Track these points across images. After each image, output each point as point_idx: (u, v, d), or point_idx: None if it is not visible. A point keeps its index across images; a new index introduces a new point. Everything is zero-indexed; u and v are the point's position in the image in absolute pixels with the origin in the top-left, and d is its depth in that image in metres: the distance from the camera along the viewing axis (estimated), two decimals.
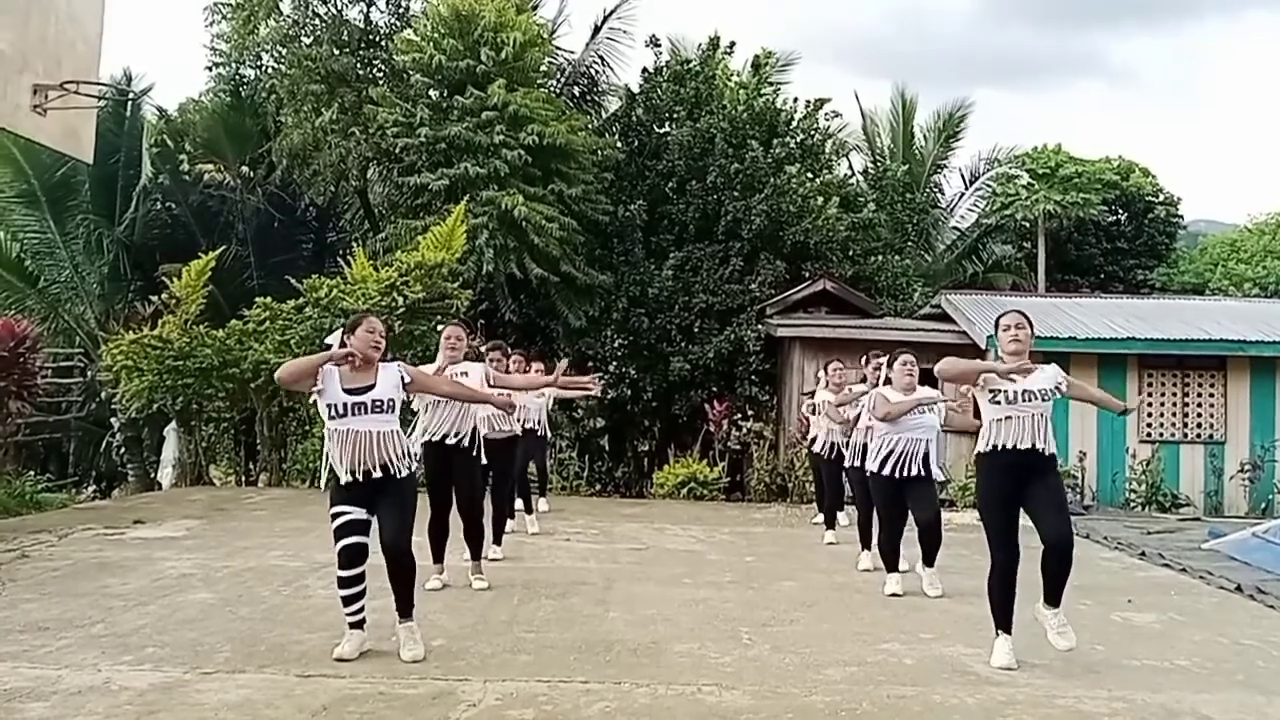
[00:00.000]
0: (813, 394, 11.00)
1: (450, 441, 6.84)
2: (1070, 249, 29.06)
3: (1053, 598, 5.40)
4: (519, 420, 9.28)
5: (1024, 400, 5.35)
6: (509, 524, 9.40)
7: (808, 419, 11.17)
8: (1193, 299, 20.96)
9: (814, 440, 10.22)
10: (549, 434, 11.16)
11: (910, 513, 7.28)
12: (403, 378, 5.36)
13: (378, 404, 5.21)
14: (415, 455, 5.52)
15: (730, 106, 17.99)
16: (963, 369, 5.67)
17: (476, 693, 4.70)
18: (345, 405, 5.19)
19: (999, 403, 5.38)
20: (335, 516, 5.21)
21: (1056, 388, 5.43)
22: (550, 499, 12.08)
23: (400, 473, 5.26)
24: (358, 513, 5.19)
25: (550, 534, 9.70)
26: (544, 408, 10.54)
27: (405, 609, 5.32)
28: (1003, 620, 5.45)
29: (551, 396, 10.99)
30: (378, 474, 5.19)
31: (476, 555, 7.20)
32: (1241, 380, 14.57)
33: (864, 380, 8.76)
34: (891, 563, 7.36)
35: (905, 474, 7.11)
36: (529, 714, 4.46)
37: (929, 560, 7.31)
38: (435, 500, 6.95)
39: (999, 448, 5.37)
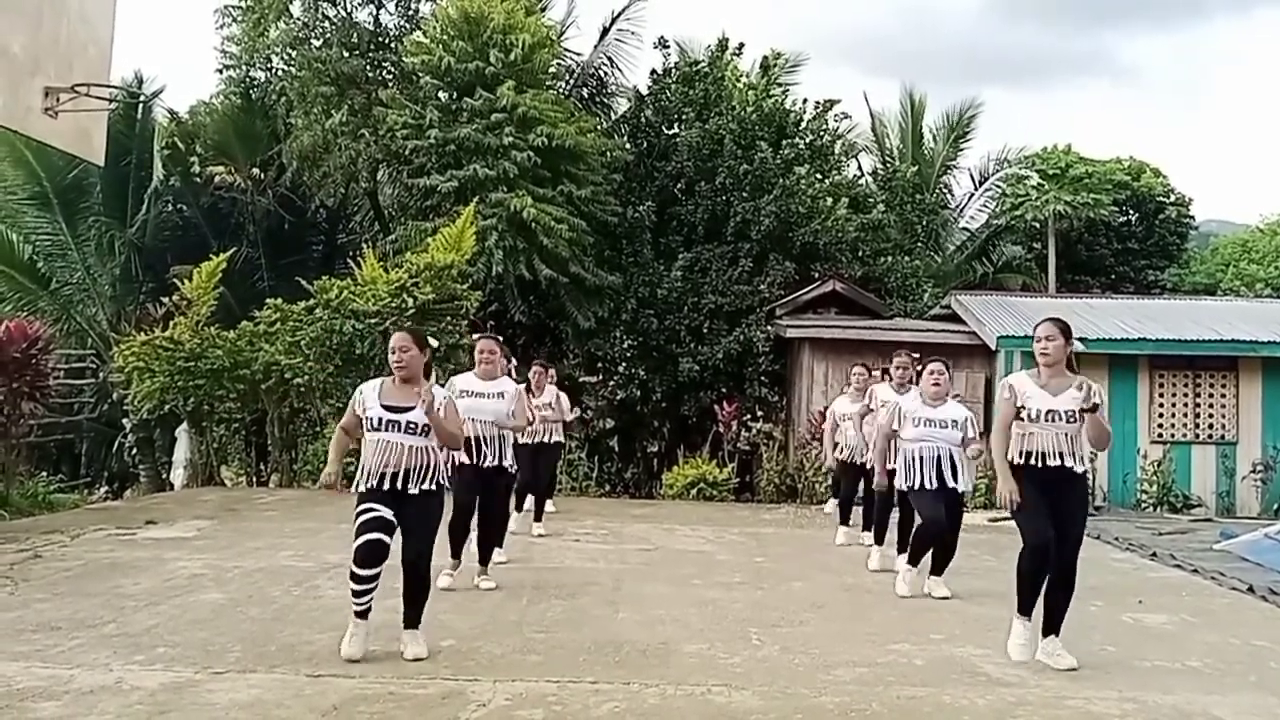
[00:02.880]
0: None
1: (489, 465, 6.91)
2: (1081, 250, 29.00)
3: (1052, 625, 5.43)
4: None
5: (1047, 420, 5.37)
6: (511, 523, 9.42)
7: (821, 422, 11.10)
8: (1204, 299, 20.91)
9: (838, 447, 10.06)
10: (562, 438, 11.14)
11: None
12: (433, 406, 5.27)
13: (412, 425, 5.22)
14: (446, 473, 5.48)
15: (739, 108, 17.98)
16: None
17: (486, 693, 4.71)
18: (381, 420, 5.22)
19: (1023, 419, 5.42)
20: (361, 512, 5.19)
21: (1080, 411, 5.33)
22: (559, 500, 12.09)
23: (429, 486, 5.24)
24: (383, 510, 5.16)
25: (559, 535, 9.70)
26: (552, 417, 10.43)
27: (415, 620, 5.32)
28: (1026, 603, 5.43)
29: (567, 410, 10.94)
30: (407, 485, 5.17)
31: (485, 560, 7.21)
32: (1253, 381, 14.50)
33: (885, 378, 8.70)
34: (915, 559, 7.26)
35: (939, 483, 7.03)
36: (538, 714, 4.46)
37: (938, 569, 7.28)
38: (462, 503, 6.93)
39: (1026, 459, 5.41)
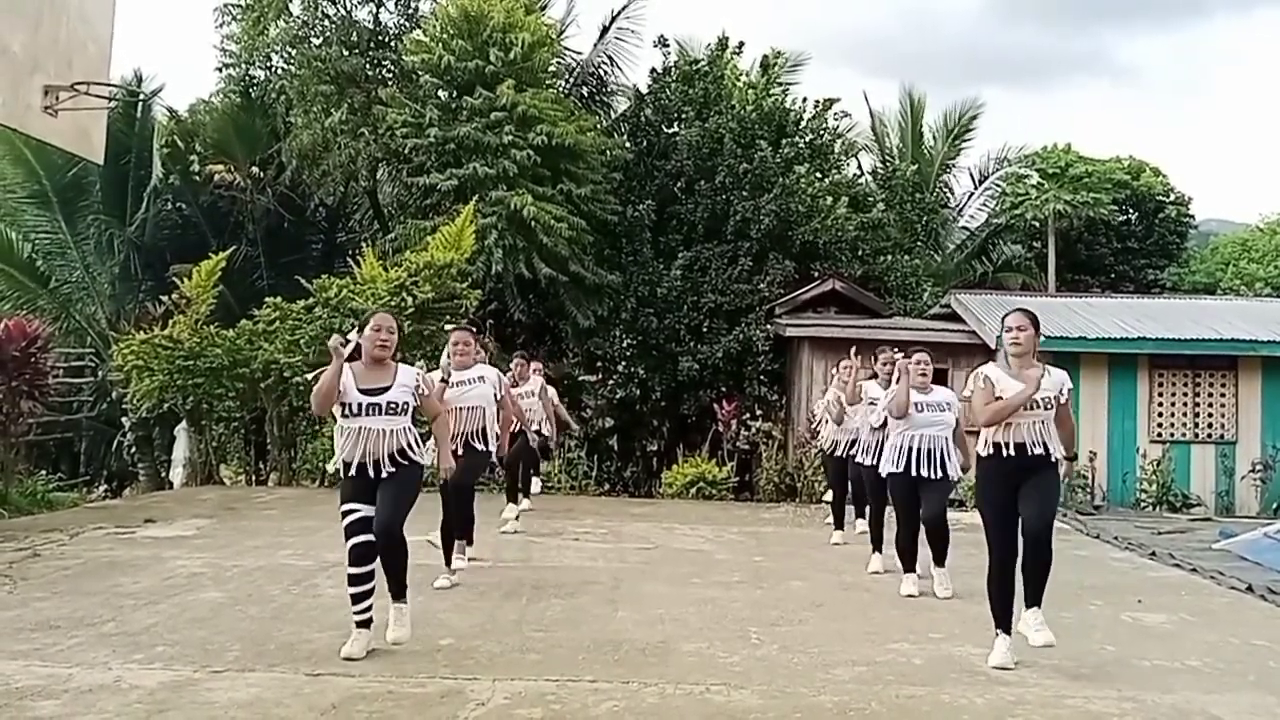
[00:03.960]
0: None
1: (476, 446, 7.00)
2: (1081, 249, 28.99)
3: (1033, 597, 5.39)
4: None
5: (1024, 409, 5.35)
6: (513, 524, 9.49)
7: (816, 418, 11.09)
8: (1204, 299, 20.90)
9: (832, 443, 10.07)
10: (550, 431, 11.14)
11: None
12: (418, 387, 5.42)
13: (392, 405, 5.28)
14: (429, 447, 5.57)
15: (739, 106, 17.96)
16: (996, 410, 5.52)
17: (485, 691, 4.71)
18: (360, 405, 5.24)
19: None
20: (345, 514, 5.26)
21: (1054, 398, 5.38)
22: (560, 498, 12.09)
23: (405, 462, 5.29)
24: (366, 509, 5.23)
25: (559, 534, 9.70)
26: (538, 406, 10.43)
27: (398, 591, 5.37)
28: (1002, 620, 5.44)
29: (549, 401, 10.94)
30: (388, 468, 5.24)
31: (468, 540, 7.34)
32: (1253, 380, 14.50)
33: (874, 377, 8.70)
34: (908, 562, 7.31)
35: (921, 473, 7.06)
36: (537, 713, 4.47)
37: (939, 560, 7.26)
38: (451, 503, 7.00)
39: (996, 450, 5.41)
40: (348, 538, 5.24)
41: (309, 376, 5.49)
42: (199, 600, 6.42)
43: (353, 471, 5.25)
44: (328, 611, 6.12)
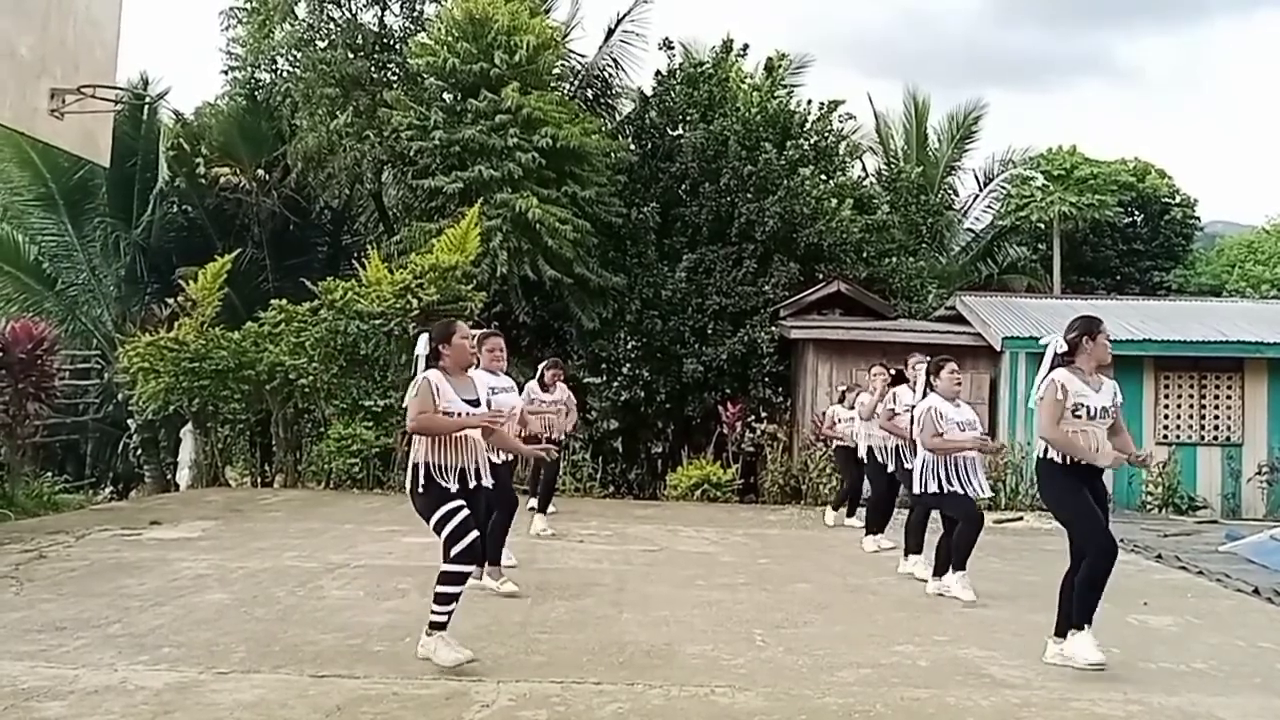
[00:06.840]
0: (843, 396, 10.98)
1: (505, 460, 6.98)
2: (1086, 251, 28.95)
3: (1085, 615, 5.39)
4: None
5: (1100, 417, 5.47)
6: (540, 523, 9.54)
7: (832, 420, 11.07)
8: (1209, 301, 20.87)
9: (854, 447, 10.03)
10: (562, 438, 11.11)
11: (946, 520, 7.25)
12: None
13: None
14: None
15: (744, 109, 17.98)
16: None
17: (490, 693, 4.71)
18: (467, 415, 5.19)
19: (1079, 417, 5.45)
20: (455, 510, 5.03)
21: (1108, 409, 5.55)
22: (563, 500, 12.07)
23: (487, 479, 5.33)
24: (468, 509, 5.12)
25: (563, 536, 9.70)
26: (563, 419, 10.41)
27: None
28: (1088, 614, 5.36)
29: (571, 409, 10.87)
30: (487, 480, 5.27)
31: (497, 560, 7.16)
32: (1259, 382, 14.48)
33: (899, 383, 8.68)
34: (964, 562, 7.13)
35: (955, 489, 6.98)
36: (542, 715, 4.47)
37: (959, 563, 7.25)
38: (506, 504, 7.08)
39: (1073, 459, 5.41)
40: (460, 536, 4.98)
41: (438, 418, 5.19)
42: (204, 602, 6.42)
43: (453, 481, 5.09)
44: (333, 613, 6.13)
